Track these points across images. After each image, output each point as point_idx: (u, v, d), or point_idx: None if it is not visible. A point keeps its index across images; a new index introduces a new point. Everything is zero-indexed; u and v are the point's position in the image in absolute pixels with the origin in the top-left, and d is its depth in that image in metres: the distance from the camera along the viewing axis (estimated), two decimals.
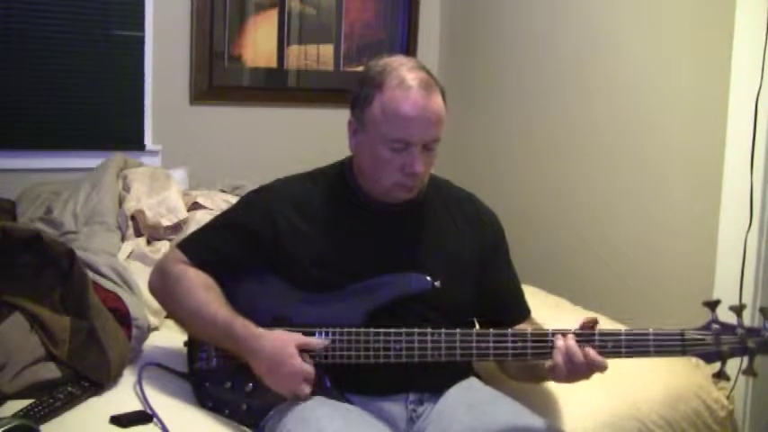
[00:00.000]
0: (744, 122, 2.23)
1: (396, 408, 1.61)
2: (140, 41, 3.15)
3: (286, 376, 1.50)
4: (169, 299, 1.70)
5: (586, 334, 1.50)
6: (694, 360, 2.07)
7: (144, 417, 1.55)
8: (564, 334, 1.50)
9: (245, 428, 1.60)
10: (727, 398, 2.09)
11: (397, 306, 1.58)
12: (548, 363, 1.51)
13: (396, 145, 1.57)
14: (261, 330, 1.55)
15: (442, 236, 1.72)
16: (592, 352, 1.47)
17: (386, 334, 1.54)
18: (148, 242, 2.57)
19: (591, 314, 2.24)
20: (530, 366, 1.61)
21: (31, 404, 1.53)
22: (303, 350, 1.52)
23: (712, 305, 1.48)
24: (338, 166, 1.75)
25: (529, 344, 1.52)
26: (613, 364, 1.49)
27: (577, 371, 1.48)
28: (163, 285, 1.70)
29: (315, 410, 1.49)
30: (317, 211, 1.68)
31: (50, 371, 1.64)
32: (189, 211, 2.70)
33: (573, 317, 1.58)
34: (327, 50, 3.57)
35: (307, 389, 1.51)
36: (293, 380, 1.50)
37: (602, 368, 1.47)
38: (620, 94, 2.74)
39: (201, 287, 1.63)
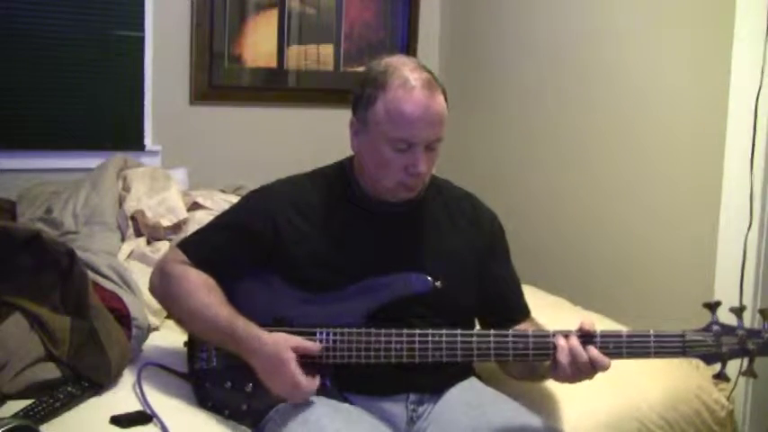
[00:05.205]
0: (744, 122, 2.23)
1: (396, 408, 1.61)
2: (140, 41, 3.15)
3: (283, 381, 1.50)
4: (169, 299, 1.69)
5: (588, 335, 1.49)
6: (694, 361, 2.07)
7: (144, 417, 1.55)
8: (566, 335, 1.49)
9: (245, 428, 1.59)
10: (728, 398, 2.09)
11: (398, 306, 1.58)
12: (547, 362, 1.51)
13: (399, 145, 1.57)
14: (261, 331, 1.54)
15: (442, 236, 1.72)
16: (595, 351, 1.46)
17: (386, 334, 1.53)
18: (148, 242, 2.56)
19: (591, 314, 2.25)
20: (531, 366, 1.61)
21: (31, 404, 1.53)
22: (300, 354, 1.51)
23: (713, 307, 1.48)
24: (338, 167, 1.75)
25: (530, 345, 1.51)
26: (613, 364, 1.48)
27: (581, 371, 1.47)
28: (163, 286, 1.69)
29: (315, 410, 1.49)
30: (318, 212, 1.68)
31: (50, 371, 1.64)
32: (189, 211, 2.70)
33: (573, 317, 1.58)
34: (327, 50, 3.57)
35: (303, 395, 1.50)
36: (290, 385, 1.50)
37: (606, 367, 1.47)
38: (620, 94, 2.74)
39: (202, 287, 1.63)
